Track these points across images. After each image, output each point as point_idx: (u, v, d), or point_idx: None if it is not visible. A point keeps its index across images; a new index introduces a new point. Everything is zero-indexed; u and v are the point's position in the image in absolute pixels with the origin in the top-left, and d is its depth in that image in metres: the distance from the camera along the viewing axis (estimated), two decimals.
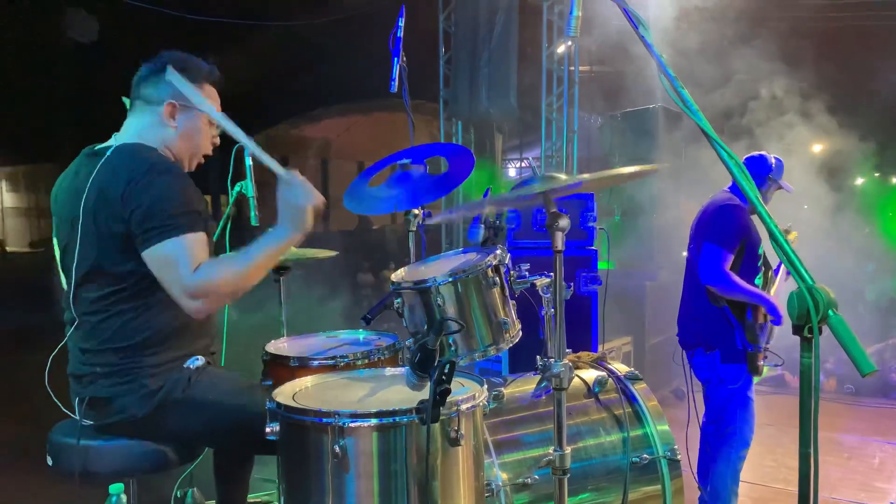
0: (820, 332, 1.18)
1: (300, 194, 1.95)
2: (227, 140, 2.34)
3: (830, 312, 1.16)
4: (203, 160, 2.27)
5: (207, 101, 2.07)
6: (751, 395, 3.16)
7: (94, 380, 2.01)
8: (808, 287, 1.17)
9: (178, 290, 1.90)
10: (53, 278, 2.13)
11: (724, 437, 3.16)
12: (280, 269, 2.96)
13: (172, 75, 1.91)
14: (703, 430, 3.30)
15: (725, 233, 3.11)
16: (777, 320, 3.06)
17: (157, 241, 1.90)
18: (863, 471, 4.40)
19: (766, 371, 3.19)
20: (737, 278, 3.07)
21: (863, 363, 1.12)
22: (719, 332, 3.14)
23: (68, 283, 2.04)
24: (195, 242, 1.93)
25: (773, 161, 3.32)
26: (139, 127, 2.12)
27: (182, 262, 1.89)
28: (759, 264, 3.20)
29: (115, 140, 2.12)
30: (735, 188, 3.21)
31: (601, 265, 4.08)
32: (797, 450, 1.16)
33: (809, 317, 1.17)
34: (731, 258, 3.09)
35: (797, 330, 1.20)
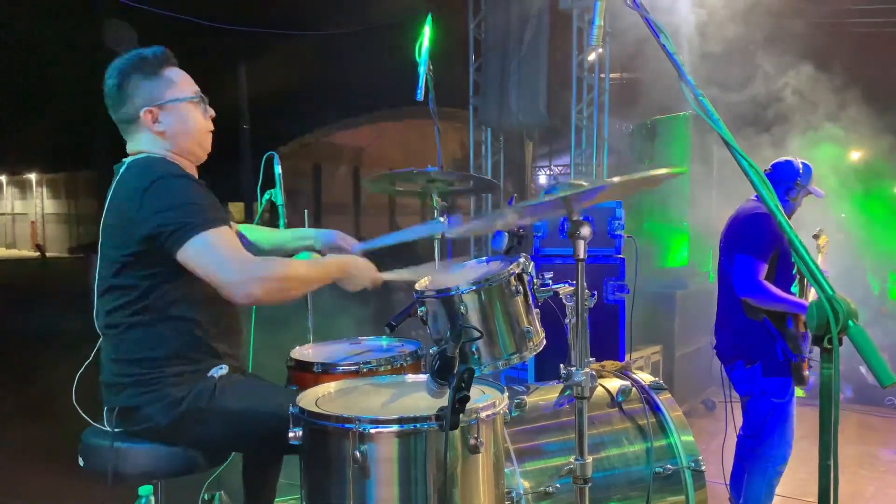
0: (840, 342, 1.17)
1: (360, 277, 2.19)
2: (258, 149, 2.35)
3: (850, 323, 1.15)
4: (210, 136, 2.23)
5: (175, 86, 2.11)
6: (792, 409, 3.08)
7: (122, 390, 2.05)
8: (828, 297, 1.16)
9: (227, 275, 1.89)
10: (91, 284, 2.20)
11: (761, 451, 3.08)
12: None
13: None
14: (740, 442, 3.24)
15: (757, 242, 3.04)
16: None
17: (191, 234, 1.89)
18: None
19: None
20: (773, 288, 3.00)
21: (883, 375, 1.10)
22: (760, 345, 3.06)
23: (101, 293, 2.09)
24: (227, 234, 1.95)
25: (801, 166, 3.24)
26: (138, 144, 2.13)
27: (224, 246, 1.91)
28: (793, 272, 3.13)
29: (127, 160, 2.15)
30: None
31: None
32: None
33: (829, 327, 1.15)
34: (766, 268, 3.02)
35: (817, 340, 1.19)
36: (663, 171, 1.71)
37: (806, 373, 3.02)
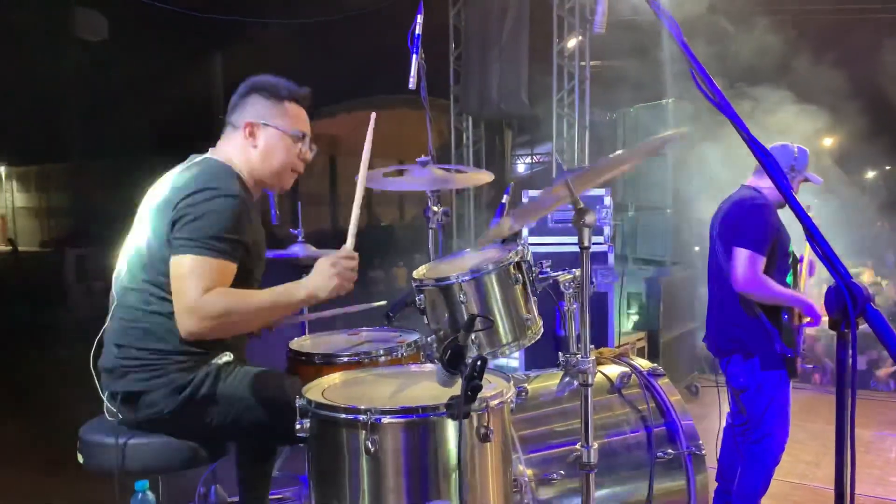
0: (857, 326, 1.19)
1: (331, 276, 2.00)
2: None
3: (868, 307, 1.17)
4: (295, 175, 2.33)
5: (286, 118, 2.22)
6: (789, 399, 3.04)
7: (125, 374, 2.05)
8: (846, 282, 1.17)
9: (182, 307, 1.95)
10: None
11: (761, 443, 3.02)
12: (301, 269, 2.97)
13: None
14: (729, 432, 3.24)
15: (757, 235, 2.94)
16: (815, 321, 2.93)
17: (183, 252, 1.97)
18: (879, 465, 4.39)
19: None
20: (772, 282, 2.93)
21: None
22: (758, 339, 2.99)
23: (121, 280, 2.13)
24: (218, 270, 1.98)
25: (796, 150, 3.13)
26: (227, 150, 2.23)
27: (196, 281, 1.94)
28: (788, 262, 3.08)
29: (210, 153, 2.24)
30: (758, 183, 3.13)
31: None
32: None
33: (847, 312, 1.17)
34: (764, 261, 2.94)
35: (834, 325, 1.21)
36: (667, 133, 1.71)
37: (799, 366, 3.00)
